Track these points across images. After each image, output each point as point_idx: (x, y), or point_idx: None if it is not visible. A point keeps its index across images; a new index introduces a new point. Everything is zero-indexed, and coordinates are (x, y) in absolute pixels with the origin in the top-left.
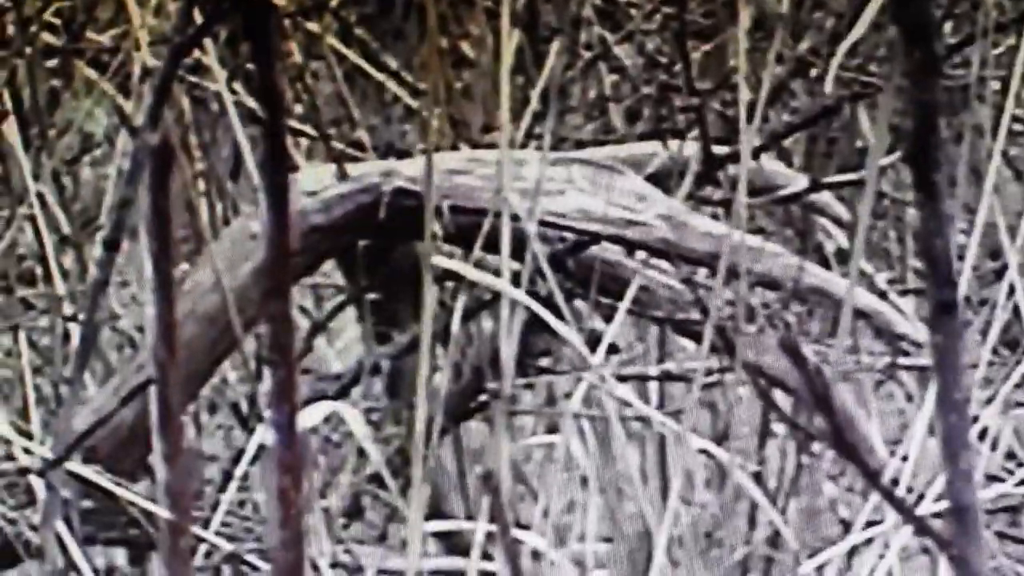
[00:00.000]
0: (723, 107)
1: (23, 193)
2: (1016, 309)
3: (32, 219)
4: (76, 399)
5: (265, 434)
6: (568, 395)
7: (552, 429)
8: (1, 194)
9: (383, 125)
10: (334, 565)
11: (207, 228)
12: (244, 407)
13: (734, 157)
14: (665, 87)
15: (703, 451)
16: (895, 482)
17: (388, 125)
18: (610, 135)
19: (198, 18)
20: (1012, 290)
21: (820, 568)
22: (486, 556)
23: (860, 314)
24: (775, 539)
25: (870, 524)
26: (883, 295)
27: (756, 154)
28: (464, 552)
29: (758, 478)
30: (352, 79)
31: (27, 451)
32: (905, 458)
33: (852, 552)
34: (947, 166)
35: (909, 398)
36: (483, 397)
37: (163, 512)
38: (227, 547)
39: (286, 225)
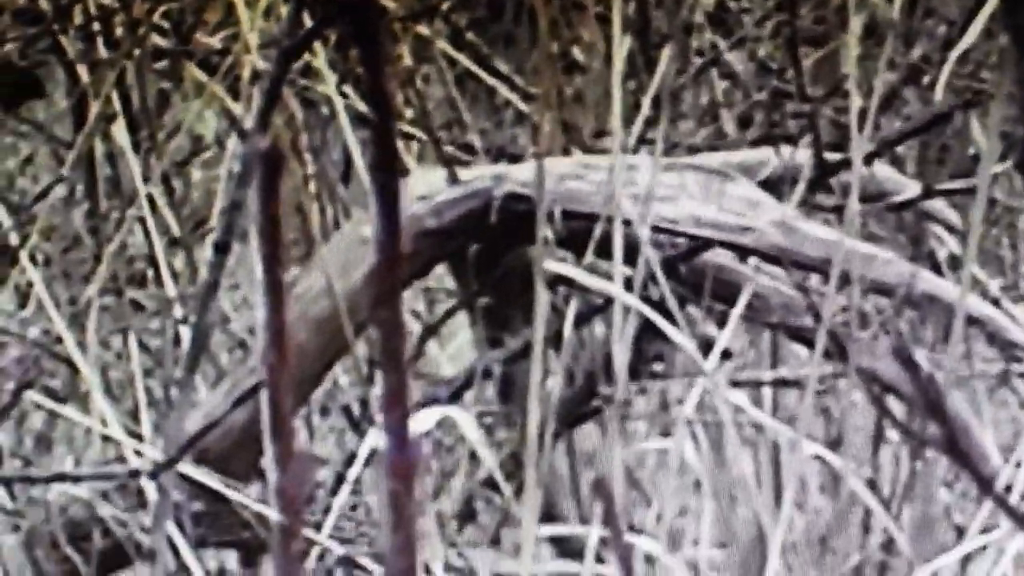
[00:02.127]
0: (835, 113)
1: (133, 195)
2: None
3: (142, 221)
4: (187, 401)
5: (377, 438)
6: (681, 401)
7: (666, 434)
8: (111, 196)
9: (494, 129)
10: (447, 569)
11: (318, 231)
12: (356, 411)
13: (846, 163)
14: (777, 93)
15: (817, 457)
16: (1009, 489)
17: (499, 129)
18: (722, 141)
19: (308, 22)
20: None
21: (934, 575)
22: (599, 560)
23: (973, 321)
24: (889, 546)
25: (985, 531)
26: (996, 302)
27: (868, 160)
28: (577, 556)
29: (872, 484)
30: (463, 83)
31: (138, 453)
32: (1019, 464)
33: (966, 559)
34: None
35: (1023, 405)
36: (596, 402)
37: (275, 515)
38: (340, 550)
39: (396, 229)
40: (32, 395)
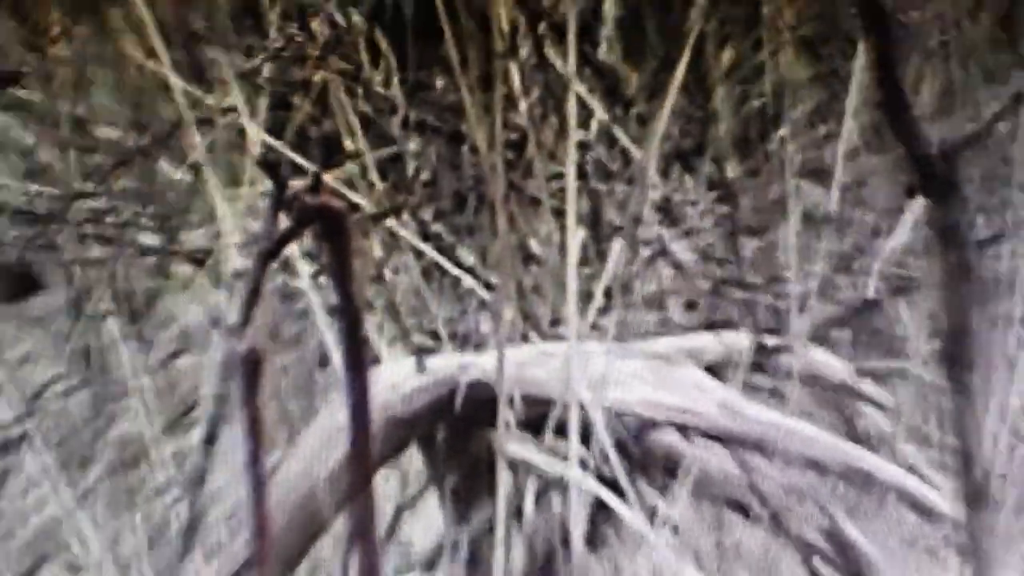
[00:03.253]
0: (774, 299)
1: (127, 386)
2: None
3: (135, 411)
4: None
5: None
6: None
7: None
8: (106, 386)
9: (458, 316)
10: None
11: (297, 416)
12: None
13: (785, 348)
14: (719, 281)
15: None
16: None
17: (463, 316)
18: (669, 326)
19: (284, 221)
20: None
21: None
22: None
23: (902, 494)
24: None
25: None
26: (922, 477)
27: (805, 345)
28: None
29: None
30: (429, 273)
31: None
32: None
33: None
34: (982, 356)
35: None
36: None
37: None
38: None
39: (367, 420)
40: None
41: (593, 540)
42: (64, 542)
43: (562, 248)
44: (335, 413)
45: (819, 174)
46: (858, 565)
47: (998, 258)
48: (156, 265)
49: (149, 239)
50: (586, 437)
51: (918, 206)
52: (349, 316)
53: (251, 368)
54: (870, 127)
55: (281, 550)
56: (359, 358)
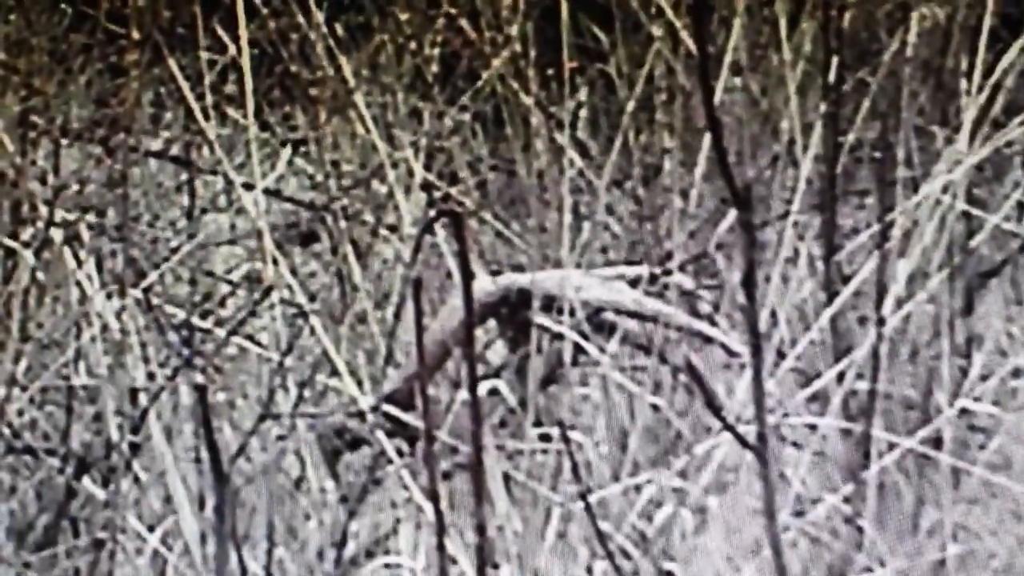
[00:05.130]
0: (656, 245)
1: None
2: None
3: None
4: None
5: None
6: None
7: None
8: None
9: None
10: None
11: (438, 302)
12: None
13: (665, 272)
14: (633, 243)
15: None
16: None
17: (512, 257)
18: (610, 262)
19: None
20: None
21: None
22: None
23: (716, 341)
24: None
25: None
26: (726, 332)
27: (675, 271)
28: None
29: None
30: (501, 235)
31: None
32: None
33: None
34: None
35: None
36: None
37: None
38: None
39: (471, 303)
40: None
41: (575, 362)
42: None
43: (560, 227)
44: (454, 300)
45: None
46: (699, 378)
47: None
48: (371, 231)
49: (368, 218)
50: (571, 314)
51: None
52: (463, 262)
53: (418, 286)
54: None
55: (430, 366)
56: (467, 277)
